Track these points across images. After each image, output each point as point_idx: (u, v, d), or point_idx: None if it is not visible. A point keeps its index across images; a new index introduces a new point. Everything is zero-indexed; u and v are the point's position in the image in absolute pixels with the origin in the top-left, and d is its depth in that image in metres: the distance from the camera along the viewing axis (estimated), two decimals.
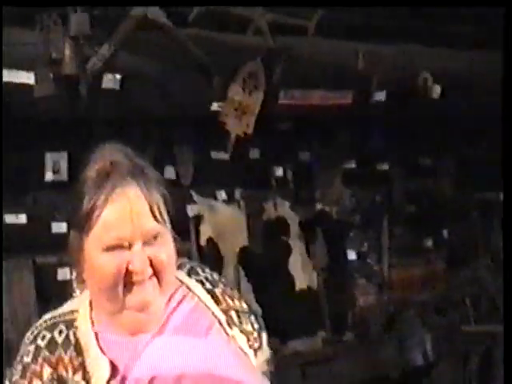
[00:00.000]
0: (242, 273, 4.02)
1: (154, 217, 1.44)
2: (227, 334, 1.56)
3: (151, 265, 1.45)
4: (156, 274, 1.46)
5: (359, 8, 4.31)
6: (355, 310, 4.64)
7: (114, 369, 1.48)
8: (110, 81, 3.28)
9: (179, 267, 1.58)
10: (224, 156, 3.98)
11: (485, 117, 4.82)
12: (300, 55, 3.89)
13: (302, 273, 4.29)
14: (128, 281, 1.44)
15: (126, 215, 1.42)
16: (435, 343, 4.81)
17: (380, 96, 4.21)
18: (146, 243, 1.44)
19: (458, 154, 5.13)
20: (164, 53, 3.46)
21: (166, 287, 1.49)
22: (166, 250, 1.47)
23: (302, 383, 4.10)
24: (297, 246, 4.30)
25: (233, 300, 1.62)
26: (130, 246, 1.43)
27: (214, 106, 3.72)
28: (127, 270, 1.43)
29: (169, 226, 1.49)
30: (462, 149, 5.12)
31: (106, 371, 1.47)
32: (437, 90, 4.37)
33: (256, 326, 1.63)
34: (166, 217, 1.47)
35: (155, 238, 1.45)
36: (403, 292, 4.86)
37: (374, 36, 4.18)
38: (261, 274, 4.11)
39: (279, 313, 4.08)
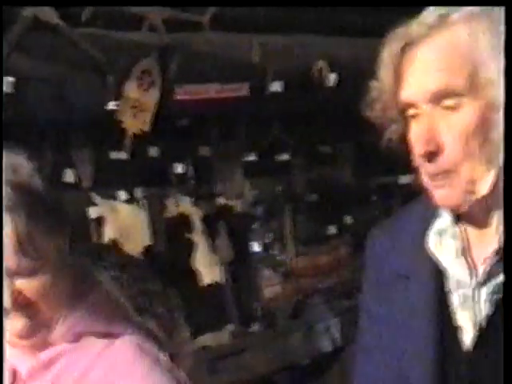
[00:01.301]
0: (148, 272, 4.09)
1: (23, 251, 1.44)
2: (132, 321, 1.59)
3: (24, 296, 1.46)
4: (32, 303, 1.48)
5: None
6: (262, 301, 4.78)
7: (14, 375, 1.52)
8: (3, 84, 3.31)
9: None
10: (123, 156, 4.02)
11: None
12: (195, 50, 4.00)
13: (208, 268, 4.38)
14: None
15: None
16: (343, 328, 5.01)
17: (276, 87, 4.34)
18: (15, 276, 1.45)
19: (356, 140, 5.32)
20: (57, 53, 3.50)
21: (49, 312, 1.51)
22: (39, 281, 1.47)
23: (211, 378, 4.19)
24: (201, 242, 4.39)
25: (144, 283, 1.68)
26: None
27: (110, 105, 3.78)
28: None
29: (54, 252, 1.49)
30: (358, 135, 5.32)
31: (6, 378, 1.50)
32: (332, 79, 4.54)
33: (170, 305, 1.69)
34: (45, 247, 1.47)
35: (25, 271, 1.46)
36: (309, 280, 5.02)
37: (267, 27, 4.31)
38: (166, 272, 4.19)
39: (186, 309, 4.20)
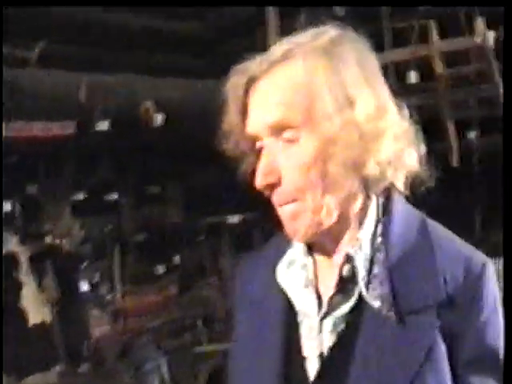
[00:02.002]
0: None
1: None
2: None
3: None
4: None
5: (79, 39, 4.55)
6: (90, 340, 4.81)
7: None
8: None
9: None
10: None
11: (207, 143, 5.26)
12: (21, 87, 4.04)
13: (35, 307, 4.38)
14: None
15: None
16: (170, 367, 5.12)
17: (103, 126, 4.42)
18: None
19: (184, 180, 5.49)
20: None
21: None
22: None
23: None
24: (28, 281, 4.38)
25: None
26: None
27: None
28: None
29: None
30: (186, 175, 5.50)
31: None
32: (159, 119, 4.69)
33: None
34: None
35: None
36: (137, 319, 5.11)
37: (95, 66, 4.42)
38: None
39: (14, 349, 4.18)
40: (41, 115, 4.21)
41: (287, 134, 1.25)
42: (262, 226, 5.79)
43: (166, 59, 4.79)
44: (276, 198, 1.28)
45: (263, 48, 1.39)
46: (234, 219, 5.74)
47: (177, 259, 5.54)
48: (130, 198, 5.14)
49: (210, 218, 5.66)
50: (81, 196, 4.79)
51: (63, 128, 4.30)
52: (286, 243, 1.36)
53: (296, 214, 1.27)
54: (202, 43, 5.05)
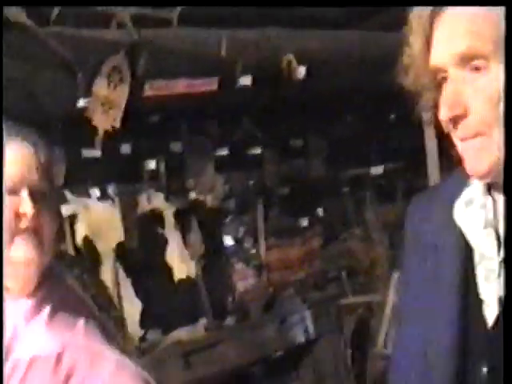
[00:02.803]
0: (121, 268, 4.19)
1: (42, 175, 1.66)
2: (92, 317, 1.70)
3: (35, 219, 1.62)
4: (38, 229, 1.62)
5: None
6: (235, 294, 4.87)
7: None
8: None
9: None
10: (95, 153, 4.09)
11: (349, 94, 5.17)
12: (163, 46, 4.06)
13: (180, 263, 4.45)
14: (15, 228, 1.61)
15: (17, 163, 1.65)
16: (315, 319, 5.14)
17: (245, 81, 4.42)
18: (32, 195, 1.63)
19: (326, 132, 5.44)
20: (26, 53, 3.58)
21: (47, 245, 1.65)
22: (50, 207, 1.67)
23: (185, 372, 4.28)
24: (173, 237, 4.47)
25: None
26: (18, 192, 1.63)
27: (81, 103, 3.86)
28: (17, 214, 1.61)
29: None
30: (329, 128, 5.44)
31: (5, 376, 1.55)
32: (301, 72, 4.63)
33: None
34: (54, 178, 1.71)
35: (42, 194, 1.66)
36: (281, 272, 5.13)
37: (235, 21, 4.39)
38: (139, 268, 4.28)
39: (160, 304, 4.30)
40: (183, 73, 4.24)
41: (476, 63, 1.17)
42: (404, 177, 5.70)
43: (306, 10, 4.68)
44: (460, 132, 1.21)
45: None
46: (378, 170, 5.65)
47: (320, 211, 5.50)
48: (273, 152, 5.13)
49: (353, 169, 5.58)
50: (224, 151, 4.82)
51: (205, 84, 4.32)
52: (463, 182, 1.30)
53: (480, 150, 1.19)
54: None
